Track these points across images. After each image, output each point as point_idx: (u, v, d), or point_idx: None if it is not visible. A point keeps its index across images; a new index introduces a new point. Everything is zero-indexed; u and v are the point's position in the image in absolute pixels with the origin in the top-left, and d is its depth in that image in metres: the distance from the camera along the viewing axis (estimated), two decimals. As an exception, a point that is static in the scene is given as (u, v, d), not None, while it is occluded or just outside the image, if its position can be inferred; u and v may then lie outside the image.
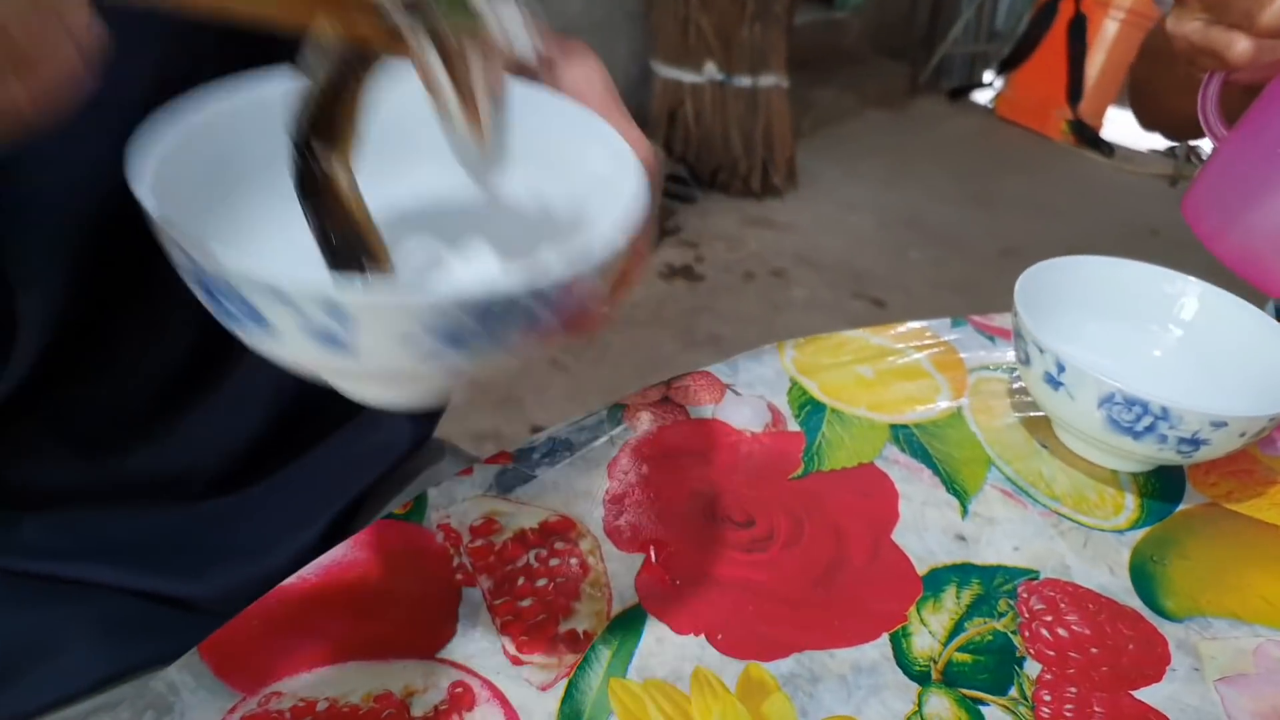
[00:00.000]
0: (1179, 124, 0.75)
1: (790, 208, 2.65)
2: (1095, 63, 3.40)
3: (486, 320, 0.25)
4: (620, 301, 0.36)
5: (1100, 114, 3.45)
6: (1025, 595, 0.45)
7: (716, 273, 2.32)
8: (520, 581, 0.43)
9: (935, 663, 0.41)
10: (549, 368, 1.87)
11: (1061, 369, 0.49)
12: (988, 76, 3.83)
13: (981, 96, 3.76)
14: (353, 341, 0.25)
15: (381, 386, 0.30)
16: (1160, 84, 0.74)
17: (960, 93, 3.75)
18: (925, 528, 0.49)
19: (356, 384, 0.29)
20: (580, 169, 0.34)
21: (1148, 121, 0.82)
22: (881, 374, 0.61)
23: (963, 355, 0.63)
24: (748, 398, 0.57)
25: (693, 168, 2.58)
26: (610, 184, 0.32)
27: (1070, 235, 2.66)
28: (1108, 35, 3.36)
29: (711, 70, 2.49)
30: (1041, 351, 0.50)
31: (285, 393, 0.51)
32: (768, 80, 2.55)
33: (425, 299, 0.24)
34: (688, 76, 2.51)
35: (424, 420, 0.64)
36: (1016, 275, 0.55)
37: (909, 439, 0.55)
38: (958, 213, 2.77)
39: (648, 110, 2.61)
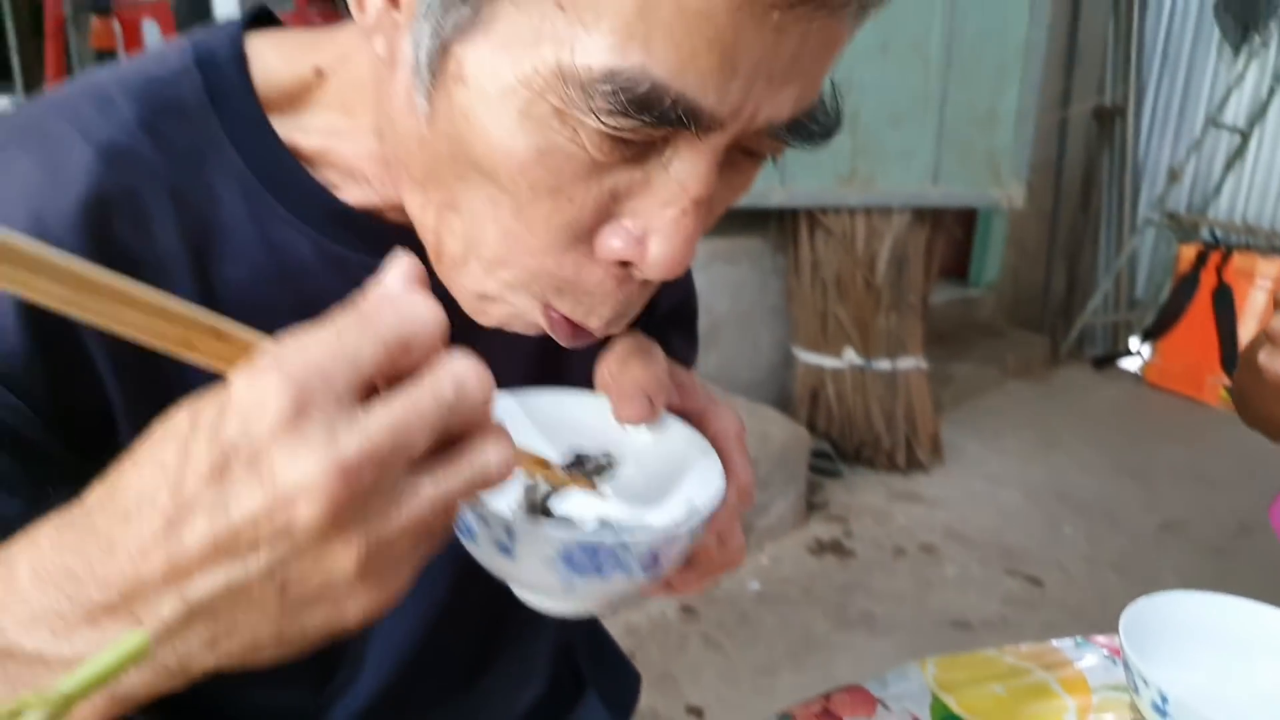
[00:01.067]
0: (1278, 429, 0.83)
1: (937, 482, 2.70)
2: (1248, 331, 3.40)
3: (595, 558, 0.39)
4: (709, 578, 0.50)
5: (1257, 378, 3.39)
6: None
7: (866, 548, 2.36)
8: None
9: None
10: (703, 646, 1.93)
11: (1165, 700, 0.56)
12: (1133, 344, 3.86)
13: (1128, 364, 3.79)
14: (515, 553, 0.39)
15: (537, 596, 0.43)
16: (1260, 392, 0.82)
17: (1105, 361, 3.79)
18: None
19: (521, 590, 0.43)
20: (692, 479, 0.48)
21: (1250, 422, 0.89)
22: (1014, 691, 0.68)
23: (1086, 675, 0.70)
24: (896, 712, 0.65)
25: (836, 444, 2.70)
26: (704, 491, 0.45)
27: (1235, 508, 2.58)
28: (1257, 305, 3.37)
29: (850, 356, 2.67)
30: (1146, 684, 0.57)
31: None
32: (906, 363, 2.69)
33: (557, 533, 0.39)
34: (828, 362, 2.69)
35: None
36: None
37: (1037, 759, 0.61)
38: (1111, 485, 2.74)
39: (791, 392, 2.78)
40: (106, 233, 0.42)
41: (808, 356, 2.73)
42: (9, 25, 3.87)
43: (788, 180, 2.57)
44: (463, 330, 0.43)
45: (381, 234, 0.48)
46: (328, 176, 0.47)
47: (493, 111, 0.37)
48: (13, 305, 0.40)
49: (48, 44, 3.88)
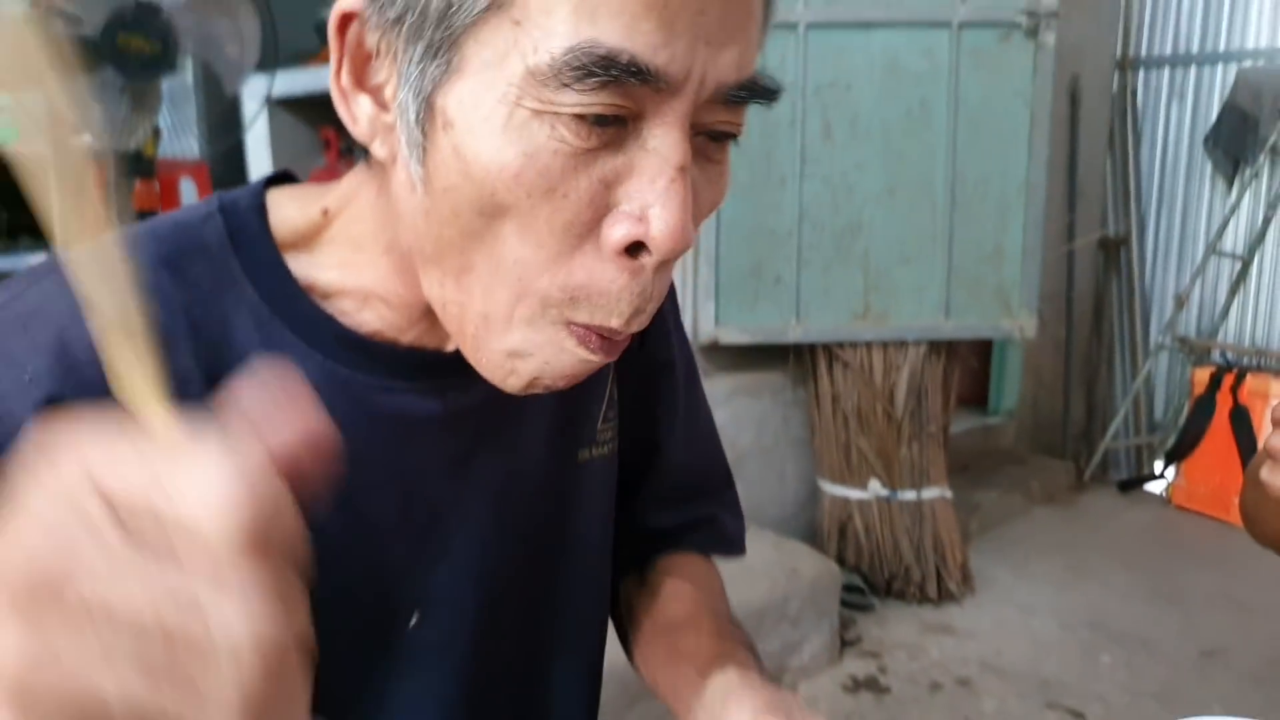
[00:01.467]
0: None
1: (969, 613, 2.68)
2: (1266, 449, 3.41)
3: None
4: None
5: (1285, 499, 3.38)
6: None
7: (901, 684, 2.33)
8: None
9: None
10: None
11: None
12: (1157, 467, 3.87)
13: (1154, 487, 3.78)
14: None
15: None
16: (1266, 509, 0.85)
17: (1131, 485, 3.78)
18: None
19: None
20: None
21: (1259, 538, 0.91)
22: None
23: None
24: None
25: (867, 577, 2.70)
26: None
27: (1274, 634, 2.54)
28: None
29: (876, 487, 2.70)
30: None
31: None
32: (930, 492, 2.72)
33: None
34: (854, 494, 2.72)
35: None
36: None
37: None
38: (1146, 611, 2.71)
39: (818, 524, 2.80)
40: None
41: (833, 489, 2.77)
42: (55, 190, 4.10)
43: (803, 317, 2.67)
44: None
45: (391, 356, 0.53)
46: (342, 306, 0.52)
47: (480, 137, 0.42)
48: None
49: (93, 207, 4.10)
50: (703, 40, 0.41)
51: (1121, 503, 3.65)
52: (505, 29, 0.41)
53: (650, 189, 0.43)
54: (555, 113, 0.41)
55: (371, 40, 0.45)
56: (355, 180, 0.52)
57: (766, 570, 2.34)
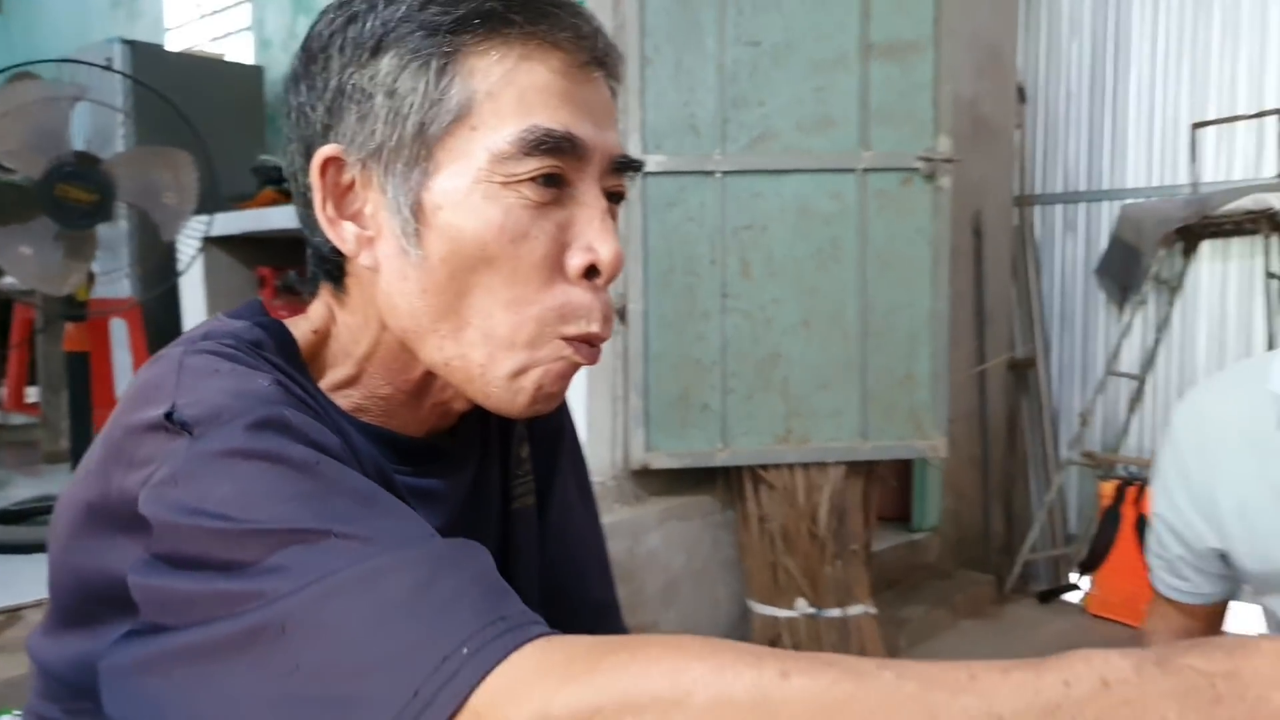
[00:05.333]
0: None
1: (897, 729, 2.74)
2: (1173, 559, 3.59)
3: None
4: None
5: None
6: None
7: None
8: None
9: None
10: None
11: None
12: (1073, 577, 4.02)
13: (1072, 597, 3.93)
14: None
15: None
16: None
17: (1050, 595, 3.92)
18: None
19: None
20: None
21: None
22: None
23: None
24: None
25: (797, 696, 2.76)
26: None
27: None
28: (1175, 534, 3.59)
29: (803, 605, 2.79)
30: None
31: None
32: (855, 609, 2.82)
33: None
34: (782, 613, 2.81)
35: None
36: None
37: None
38: (1066, 722, 2.80)
39: (749, 643, 2.86)
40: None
41: (762, 609, 2.85)
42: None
43: (729, 441, 2.81)
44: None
45: (394, 442, 0.67)
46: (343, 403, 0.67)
47: (465, 210, 0.59)
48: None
49: (12, 354, 4.07)
50: (597, 125, 0.62)
51: (1042, 613, 3.78)
52: (465, 133, 0.59)
53: (590, 229, 0.61)
54: (518, 180, 0.59)
55: (348, 175, 0.62)
56: (319, 310, 0.68)
57: (698, 692, 2.39)
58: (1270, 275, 3.61)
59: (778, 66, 2.79)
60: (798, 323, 2.83)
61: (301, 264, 2.55)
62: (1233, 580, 1.06)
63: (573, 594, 0.84)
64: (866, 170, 2.85)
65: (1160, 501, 1.05)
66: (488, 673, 0.42)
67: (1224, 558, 1.01)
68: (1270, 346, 3.59)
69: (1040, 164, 4.36)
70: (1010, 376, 4.29)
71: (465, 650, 0.43)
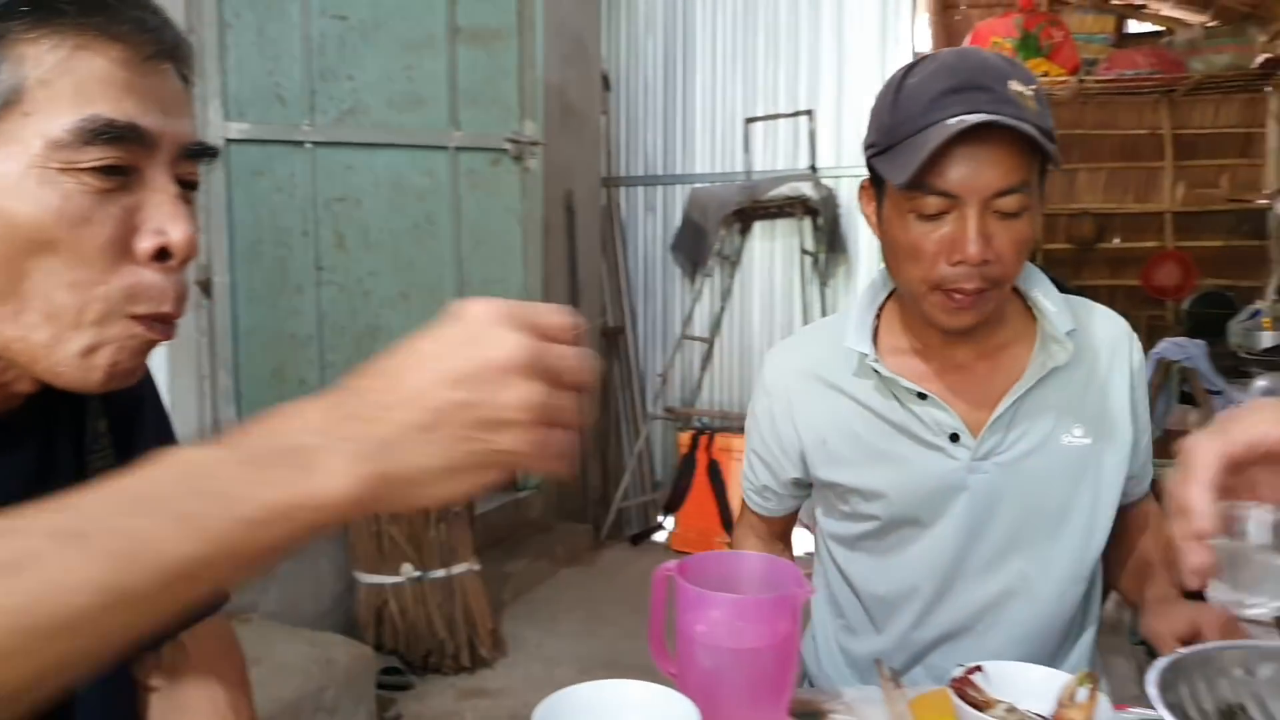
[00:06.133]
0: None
1: (501, 675, 2.95)
2: (736, 495, 4.18)
3: None
4: None
5: (752, 535, 4.16)
6: None
7: (439, 751, 2.51)
8: None
9: None
10: None
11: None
12: (660, 519, 4.52)
13: (659, 537, 4.42)
14: None
15: None
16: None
17: (640, 538, 4.38)
18: None
19: None
20: None
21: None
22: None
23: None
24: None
25: (404, 657, 2.85)
26: None
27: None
28: (737, 474, 4.16)
29: (408, 570, 2.88)
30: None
31: None
32: (460, 568, 2.97)
33: None
34: (388, 579, 2.88)
35: None
36: None
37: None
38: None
39: (355, 615, 2.91)
40: None
41: (369, 578, 2.89)
42: None
43: (330, 416, 2.80)
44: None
45: None
46: None
47: (20, 194, 0.58)
48: None
49: None
50: (166, 113, 0.63)
51: (633, 554, 4.21)
52: (17, 119, 0.59)
53: (160, 212, 0.63)
54: (78, 167, 0.59)
55: None
56: None
57: (301, 665, 2.40)
58: (804, 252, 4.30)
59: (367, 42, 2.81)
60: (396, 295, 2.89)
61: None
62: (801, 498, 1.31)
63: None
64: (458, 149, 2.97)
65: (753, 438, 1.29)
66: None
67: (798, 483, 1.26)
68: (807, 310, 4.29)
69: (624, 148, 4.78)
70: (603, 342, 4.68)
71: None
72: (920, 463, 1.13)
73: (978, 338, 1.12)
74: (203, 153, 0.67)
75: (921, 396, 1.12)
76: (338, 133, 2.78)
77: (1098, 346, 1.15)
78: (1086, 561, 1.16)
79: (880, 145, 1.04)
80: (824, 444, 1.20)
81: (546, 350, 0.50)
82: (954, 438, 1.12)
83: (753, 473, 1.30)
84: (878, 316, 1.19)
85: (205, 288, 2.63)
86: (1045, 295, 1.13)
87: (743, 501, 1.36)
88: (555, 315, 0.52)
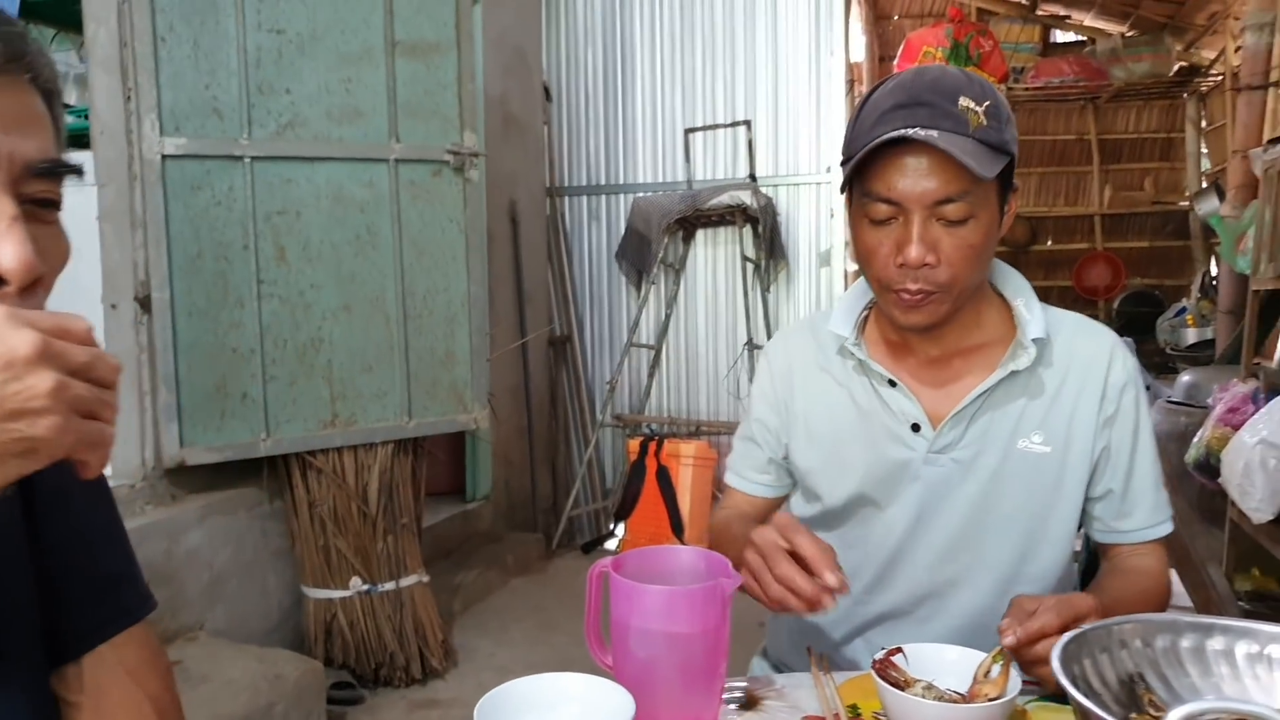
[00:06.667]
0: None
1: (453, 685, 2.95)
2: (685, 500, 4.22)
3: None
4: None
5: (703, 539, 4.20)
6: None
7: (390, 763, 2.50)
8: None
9: None
10: None
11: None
12: (610, 526, 4.55)
13: (610, 544, 4.44)
14: None
15: None
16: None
17: (591, 545, 4.41)
18: None
19: None
20: None
21: None
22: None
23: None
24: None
25: (355, 670, 2.84)
26: None
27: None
28: (686, 480, 4.22)
29: (357, 584, 2.87)
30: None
31: None
32: (409, 580, 2.97)
33: None
34: (336, 594, 2.86)
35: None
36: None
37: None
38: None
39: (304, 630, 2.89)
40: None
41: (316, 593, 2.88)
42: None
43: (273, 430, 2.79)
44: None
45: None
46: None
47: None
48: None
49: None
50: (3, 130, 0.60)
51: (584, 563, 4.23)
52: None
53: None
54: None
55: None
56: None
57: (249, 681, 2.38)
58: (745, 259, 4.37)
59: (304, 56, 2.81)
60: (338, 307, 2.88)
61: None
62: (790, 484, 1.35)
63: (84, 571, 0.83)
64: (398, 161, 2.97)
65: (758, 406, 1.34)
66: None
67: (787, 460, 1.31)
68: (750, 315, 4.36)
69: (567, 158, 4.82)
70: (550, 351, 4.70)
71: None
72: (880, 449, 1.20)
73: (947, 336, 1.18)
74: (58, 170, 0.63)
75: (891, 384, 1.19)
76: (276, 146, 2.77)
77: (1073, 360, 1.18)
78: (1035, 566, 1.19)
79: (844, 155, 1.13)
80: (805, 421, 1.27)
81: (59, 344, 0.52)
82: (915, 428, 1.18)
83: (750, 453, 1.34)
84: (870, 308, 1.27)
85: (144, 303, 2.60)
86: (1026, 304, 1.18)
87: (726, 483, 1.39)
88: (67, 318, 0.54)
